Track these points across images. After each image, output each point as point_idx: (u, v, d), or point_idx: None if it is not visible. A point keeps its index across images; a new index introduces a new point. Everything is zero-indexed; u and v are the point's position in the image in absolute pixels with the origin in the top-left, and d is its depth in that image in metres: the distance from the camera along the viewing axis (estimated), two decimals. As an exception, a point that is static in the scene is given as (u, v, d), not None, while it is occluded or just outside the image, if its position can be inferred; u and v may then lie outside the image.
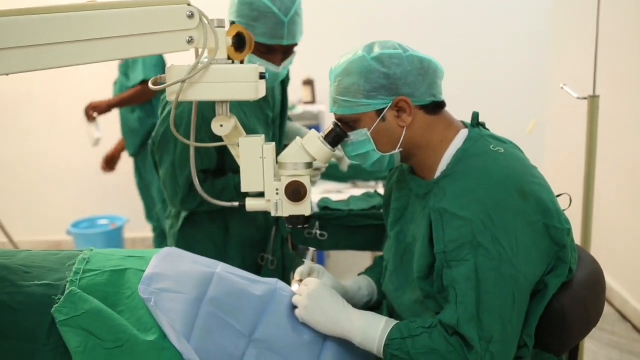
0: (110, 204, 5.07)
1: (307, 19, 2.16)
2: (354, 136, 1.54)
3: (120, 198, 4.94)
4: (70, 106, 4.87)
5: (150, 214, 4.16)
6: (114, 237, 4.65)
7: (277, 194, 1.56)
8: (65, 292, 1.36)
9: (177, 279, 1.49)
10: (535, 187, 1.44)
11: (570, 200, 1.63)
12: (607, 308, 3.60)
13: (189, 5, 1.33)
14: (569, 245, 1.45)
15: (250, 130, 1.94)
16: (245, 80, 1.42)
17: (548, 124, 4.71)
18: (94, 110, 3.80)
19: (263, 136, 1.56)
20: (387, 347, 1.42)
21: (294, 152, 1.55)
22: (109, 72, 4.11)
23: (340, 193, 3.01)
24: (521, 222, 1.38)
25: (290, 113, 3.13)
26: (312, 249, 1.77)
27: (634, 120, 3.51)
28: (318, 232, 2.21)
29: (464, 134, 1.55)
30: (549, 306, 1.44)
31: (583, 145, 2.56)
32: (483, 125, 1.61)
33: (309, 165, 1.56)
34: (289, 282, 1.70)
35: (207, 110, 1.57)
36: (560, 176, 3.66)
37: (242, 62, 1.51)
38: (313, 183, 2.15)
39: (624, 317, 3.66)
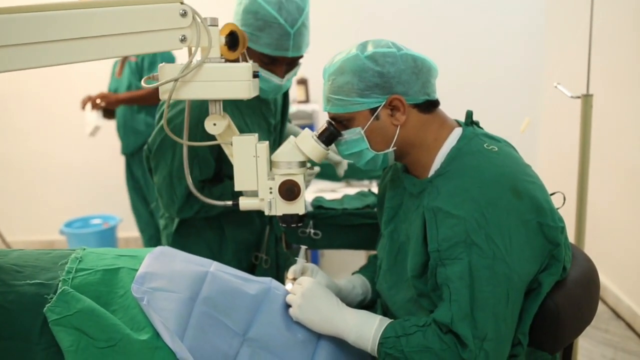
0: (104, 203, 5.06)
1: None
2: (347, 135, 1.53)
3: (114, 197, 4.93)
4: (63, 105, 4.87)
5: (138, 214, 4.13)
6: (107, 237, 4.64)
7: (271, 192, 1.56)
8: (58, 291, 1.35)
9: (170, 278, 1.49)
10: (529, 185, 1.44)
11: (564, 199, 1.63)
12: (600, 306, 3.63)
13: (181, 3, 1.33)
14: (563, 244, 1.45)
15: None
16: (238, 79, 1.41)
17: (541, 122, 4.72)
18: (102, 100, 3.74)
19: (256, 135, 1.55)
20: (381, 346, 1.42)
21: (287, 151, 1.55)
22: (102, 71, 4.10)
23: (334, 192, 3.01)
24: (515, 220, 1.38)
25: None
26: (304, 248, 1.77)
27: (627, 118, 3.52)
28: (312, 231, 2.20)
29: (457, 132, 1.55)
30: (543, 304, 1.44)
31: (576, 144, 2.57)
32: (477, 123, 1.61)
33: (303, 164, 1.55)
34: (283, 281, 1.69)
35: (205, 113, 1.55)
36: (554, 175, 3.68)
37: (238, 60, 1.49)
38: (306, 183, 2.14)
39: (618, 315, 3.67)
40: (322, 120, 1.56)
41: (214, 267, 1.59)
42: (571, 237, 1.84)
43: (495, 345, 1.34)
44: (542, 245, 1.41)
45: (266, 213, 1.57)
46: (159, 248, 1.62)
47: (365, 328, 1.45)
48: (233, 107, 1.96)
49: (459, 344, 1.35)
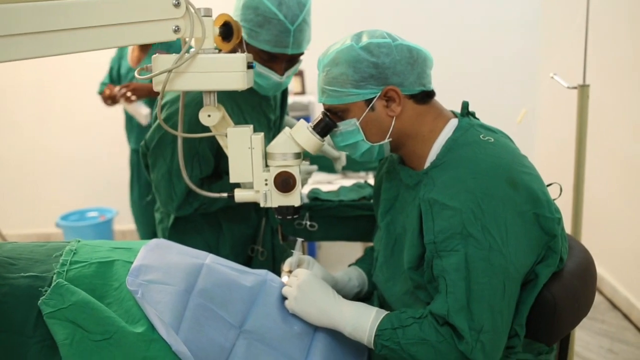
0: (100, 196, 5.05)
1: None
2: (343, 126, 1.53)
3: (110, 190, 4.92)
4: (60, 98, 4.86)
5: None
6: (104, 230, 4.64)
7: (266, 184, 1.55)
8: (52, 284, 1.34)
9: (165, 270, 1.48)
10: (526, 176, 1.43)
11: (561, 190, 1.63)
12: (597, 297, 3.64)
13: (175, -7, 1.31)
14: (560, 235, 1.45)
15: None
16: (232, 70, 1.40)
17: (538, 113, 4.71)
18: (134, 93, 3.62)
19: (251, 126, 1.55)
20: (378, 338, 1.42)
21: (282, 142, 1.54)
22: (97, 64, 4.08)
23: (330, 184, 3.00)
24: (511, 211, 1.37)
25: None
26: (300, 240, 1.76)
27: (624, 109, 3.51)
28: (308, 222, 2.20)
29: (453, 123, 1.54)
30: (539, 296, 1.44)
31: (573, 135, 2.57)
32: (473, 114, 1.60)
33: (298, 155, 1.55)
34: (279, 274, 1.69)
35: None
36: (551, 165, 3.68)
37: (233, 51, 1.48)
38: (304, 181, 2.13)
39: (615, 305, 3.68)
40: (318, 112, 1.55)
41: (210, 259, 1.59)
42: (568, 228, 1.84)
43: (491, 336, 1.34)
44: (538, 237, 1.41)
45: (262, 205, 1.56)
46: (154, 240, 1.61)
47: (362, 320, 1.45)
48: (232, 104, 1.95)
49: (456, 336, 1.35)
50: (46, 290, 1.33)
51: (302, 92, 4.56)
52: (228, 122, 1.57)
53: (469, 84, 4.55)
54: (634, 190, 3.44)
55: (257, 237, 2.23)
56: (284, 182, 1.53)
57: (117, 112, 4.01)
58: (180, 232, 2.16)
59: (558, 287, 1.45)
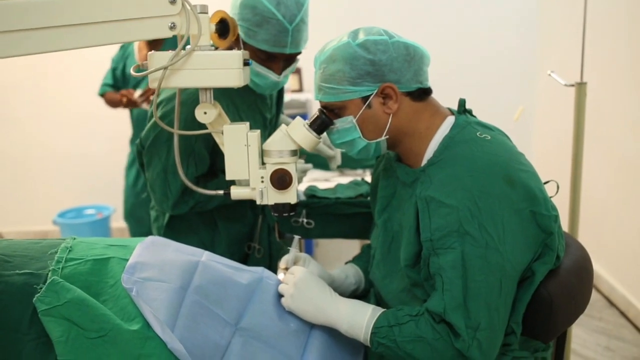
0: (97, 193, 5.04)
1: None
2: (339, 123, 1.52)
3: (107, 187, 4.90)
4: (57, 95, 4.84)
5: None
6: (101, 227, 4.62)
7: (262, 181, 1.54)
8: (47, 281, 1.34)
9: (161, 268, 1.48)
10: (522, 174, 1.43)
11: (558, 187, 1.63)
12: (594, 294, 3.64)
13: (171, -10, 1.31)
14: (556, 232, 1.44)
15: None
16: (229, 67, 1.40)
17: (535, 110, 4.72)
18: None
19: (247, 123, 1.54)
20: (374, 335, 1.42)
21: (279, 140, 1.53)
22: (95, 61, 4.06)
23: (327, 181, 3.01)
24: (508, 209, 1.37)
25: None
26: (297, 237, 1.76)
27: (621, 106, 3.51)
28: (305, 220, 2.19)
29: (450, 120, 1.53)
30: (536, 293, 1.44)
31: (570, 132, 2.57)
32: (470, 112, 1.60)
33: (295, 152, 1.54)
34: (275, 271, 1.69)
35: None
36: (548, 163, 3.68)
37: (230, 48, 1.48)
38: (299, 179, 2.12)
39: (612, 303, 3.68)
40: (316, 110, 1.55)
41: (206, 256, 1.58)
42: (565, 226, 1.84)
43: (488, 334, 1.34)
44: (535, 234, 1.40)
45: (258, 202, 1.56)
46: (149, 238, 1.61)
47: (358, 317, 1.45)
48: (228, 102, 1.95)
49: (452, 334, 1.35)
50: (41, 288, 1.32)
51: (300, 90, 4.54)
52: (224, 120, 1.57)
53: (466, 81, 4.53)
54: (631, 188, 3.44)
55: (254, 234, 2.23)
56: (280, 180, 1.52)
57: (116, 110, 4.00)
58: (176, 231, 2.15)
59: (554, 284, 1.45)
